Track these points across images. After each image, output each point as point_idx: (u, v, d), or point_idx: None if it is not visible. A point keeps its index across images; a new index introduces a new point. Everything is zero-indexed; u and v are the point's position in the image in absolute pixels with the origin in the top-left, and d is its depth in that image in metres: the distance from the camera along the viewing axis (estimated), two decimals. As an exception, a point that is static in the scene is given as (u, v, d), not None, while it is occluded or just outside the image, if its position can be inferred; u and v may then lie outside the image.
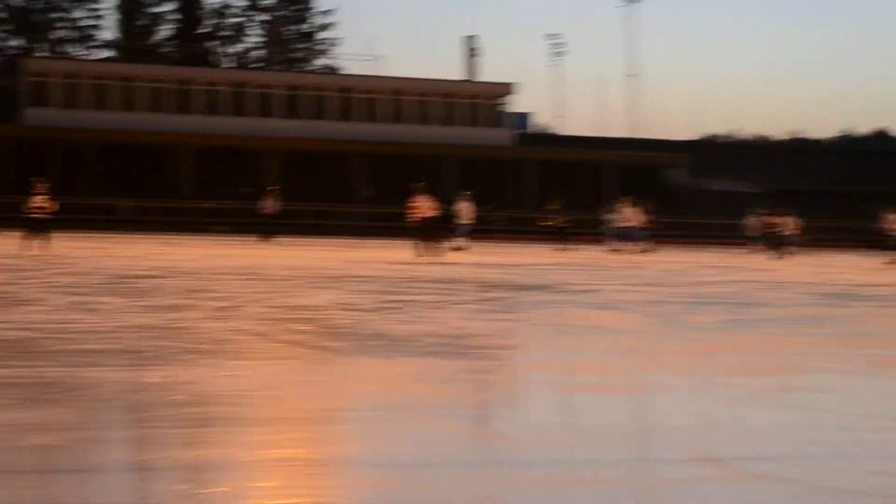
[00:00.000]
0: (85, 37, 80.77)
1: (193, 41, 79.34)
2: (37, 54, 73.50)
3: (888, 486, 5.42)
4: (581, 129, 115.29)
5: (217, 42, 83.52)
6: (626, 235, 35.95)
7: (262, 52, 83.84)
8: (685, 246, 53.60)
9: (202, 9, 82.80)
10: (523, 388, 8.74)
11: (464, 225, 35.95)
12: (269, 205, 46.37)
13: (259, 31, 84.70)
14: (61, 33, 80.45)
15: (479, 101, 67.03)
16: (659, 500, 5.15)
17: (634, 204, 39.24)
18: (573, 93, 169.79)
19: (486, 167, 64.72)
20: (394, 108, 65.49)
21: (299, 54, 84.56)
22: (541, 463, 5.74)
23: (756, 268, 30.50)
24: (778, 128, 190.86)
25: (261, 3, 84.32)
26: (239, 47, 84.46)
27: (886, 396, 8.38)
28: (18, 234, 30.66)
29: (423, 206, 30.58)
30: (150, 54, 76.51)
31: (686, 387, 8.52)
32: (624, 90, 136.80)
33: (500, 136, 66.41)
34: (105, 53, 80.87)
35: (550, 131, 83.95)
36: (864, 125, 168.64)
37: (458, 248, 34.49)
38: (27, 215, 29.86)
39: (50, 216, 29.77)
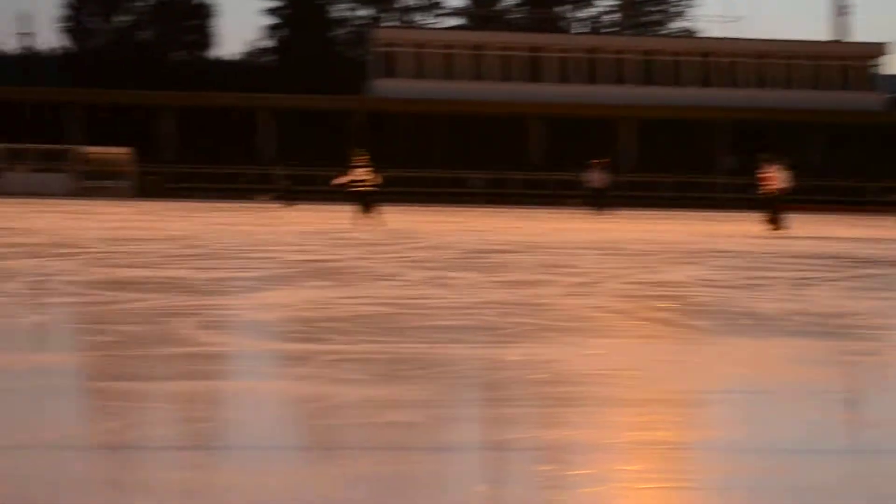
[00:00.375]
0: (433, 4, 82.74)
1: (543, 6, 79.96)
2: (385, 24, 75.74)
3: None
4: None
5: (568, 6, 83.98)
6: None
7: (615, 16, 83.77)
8: None
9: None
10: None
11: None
12: (597, 178, 46.22)
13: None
14: (410, 2, 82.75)
15: (849, 63, 64.86)
16: None
17: None
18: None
19: (856, 134, 62.57)
20: (757, 72, 64.22)
21: (654, 17, 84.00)
22: None
23: None
24: None
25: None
26: (591, 11, 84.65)
27: None
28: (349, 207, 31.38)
29: (776, 177, 29.83)
30: (499, 21, 77.66)
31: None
32: None
33: (873, 100, 64.04)
34: (453, 21, 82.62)
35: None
36: None
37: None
38: (352, 189, 30.28)
39: (372, 188, 30.10)
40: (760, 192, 30.56)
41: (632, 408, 6.52)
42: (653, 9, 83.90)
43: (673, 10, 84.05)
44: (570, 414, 6.30)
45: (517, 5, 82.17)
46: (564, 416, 6.25)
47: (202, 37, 76.40)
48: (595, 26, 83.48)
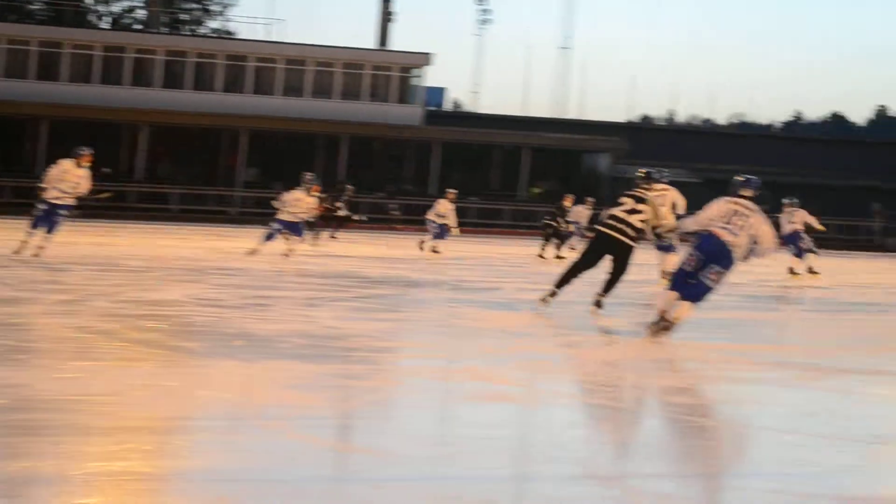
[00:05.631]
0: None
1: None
2: None
3: None
4: (504, 107, 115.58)
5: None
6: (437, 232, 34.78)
7: (143, 13, 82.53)
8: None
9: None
10: (399, 397, 8.87)
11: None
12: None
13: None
14: None
15: (388, 74, 66.73)
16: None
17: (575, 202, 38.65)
18: (498, 66, 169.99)
19: (390, 148, 64.63)
20: (290, 79, 65.00)
21: (186, 16, 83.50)
22: (408, 480, 5.89)
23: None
24: (721, 110, 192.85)
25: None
26: (123, 4, 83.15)
27: (802, 410, 8.65)
28: None
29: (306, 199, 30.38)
30: (14, 10, 75.16)
31: (583, 395, 8.72)
32: (554, 65, 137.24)
33: (410, 113, 66.20)
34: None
35: (466, 109, 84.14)
36: (816, 108, 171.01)
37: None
38: None
39: None
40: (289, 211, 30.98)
41: (102, 436, 6.55)
42: (189, 6, 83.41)
43: (212, 8, 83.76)
44: (33, 444, 6.25)
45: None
46: (25, 446, 6.20)
47: None
48: (127, 21, 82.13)
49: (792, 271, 26.35)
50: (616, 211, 15.35)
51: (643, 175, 16.12)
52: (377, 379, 9.49)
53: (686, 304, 12.43)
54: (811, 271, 26.54)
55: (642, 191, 15.54)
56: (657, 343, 12.24)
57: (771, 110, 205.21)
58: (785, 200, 27.72)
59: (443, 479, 5.98)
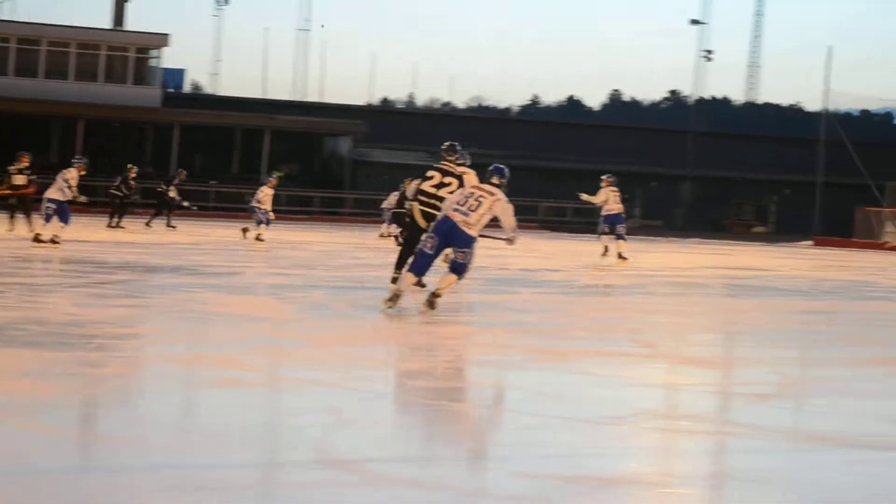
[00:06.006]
0: None
1: None
2: None
3: (529, 489, 5.76)
4: (245, 90, 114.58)
5: None
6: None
7: None
8: (346, 224, 54.29)
9: None
10: (139, 384, 8.74)
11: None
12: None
13: None
14: None
15: (125, 54, 65.39)
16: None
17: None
18: (238, 48, 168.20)
19: (129, 131, 63.57)
20: (21, 58, 63.17)
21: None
22: (148, 468, 5.81)
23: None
24: (460, 94, 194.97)
25: None
26: None
27: (539, 391, 8.83)
28: None
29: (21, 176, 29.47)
30: None
31: (325, 381, 8.72)
32: (293, 48, 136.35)
33: (148, 94, 65.05)
34: None
35: (206, 91, 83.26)
36: (553, 94, 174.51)
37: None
38: None
39: None
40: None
41: None
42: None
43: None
44: None
45: None
46: None
47: None
48: None
49: (609, 255, 26.75)
50: (425, 186, 15.84)
51: (447, 147, 16.31)
52: (116, 366, 9.31)
53: (452, 276, 13.47)
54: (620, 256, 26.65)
55: (448, 163, 15.97)
56: (400, 326, 12.36)
57: (509, 95, 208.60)
58: (607, 178, 28.21)
59: (183, 466, 5.93)
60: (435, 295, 13.34)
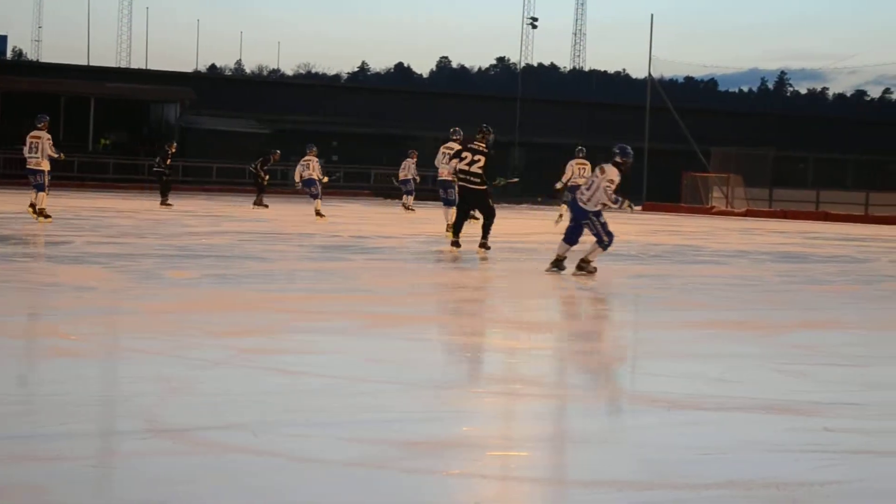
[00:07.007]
0: None
1: None
2: None
3: (363, 455, 5.77)
4: (69, 56, 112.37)
5: None
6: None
7: None
8: (175, 192, 53.67)
9: None
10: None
11: None
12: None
13: None
14: None
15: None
16: (112, 476, 5.26)
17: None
18: (60, 13, 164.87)
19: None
20: None
21: None
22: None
23: (249, 217, 30.80)
24: (288, 60, 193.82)
25: None
26: None
27: (374, 357, 8.85)
28: None
29: None
30: None
31: (157, 350, 8.64)
32: (117, 13, 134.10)
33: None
34: None
35: (29, 58, 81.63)
36: (382, 60, 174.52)
37: None
38: None
39: None
40: None
41: None
42: None
43: None
44: None
45: None
46: None
47: None
48: None
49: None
50: (461, 165, 19.62)
51: (478, 129, 20.02)
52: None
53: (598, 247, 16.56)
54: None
55: (477, 143, 19.75)
56: (237, 294, 12.30)
57: (338, 61, 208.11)
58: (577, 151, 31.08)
59: (16, 437, 5.83)
60: (584, 261, 16.35)
